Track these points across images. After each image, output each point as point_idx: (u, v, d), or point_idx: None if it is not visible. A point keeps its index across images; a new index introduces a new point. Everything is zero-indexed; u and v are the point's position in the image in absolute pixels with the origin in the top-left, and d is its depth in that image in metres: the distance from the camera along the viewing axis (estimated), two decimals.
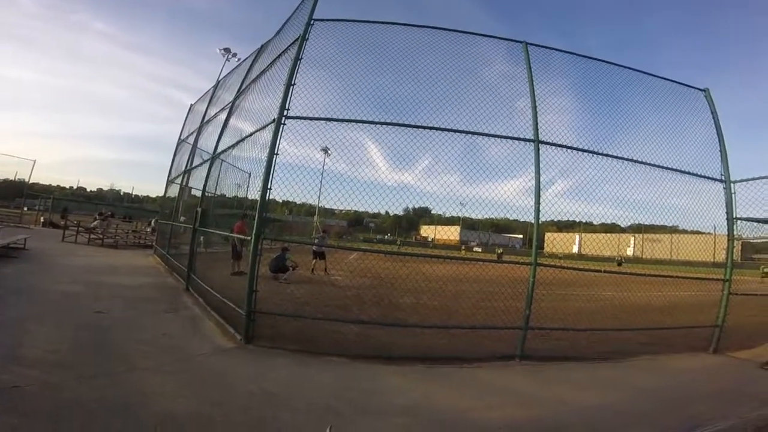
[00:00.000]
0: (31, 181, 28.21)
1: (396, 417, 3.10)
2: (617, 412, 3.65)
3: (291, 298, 7.41)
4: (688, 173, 6.11)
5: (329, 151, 5.35)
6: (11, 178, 32.39)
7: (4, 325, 4.31)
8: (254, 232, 4.66)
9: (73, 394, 2.88)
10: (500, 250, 30.38)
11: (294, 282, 9.72)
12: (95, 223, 16.57)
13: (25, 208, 27.36)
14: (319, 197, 5.65)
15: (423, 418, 3.14)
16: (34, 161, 25.39)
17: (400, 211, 6.25)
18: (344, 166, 5.04)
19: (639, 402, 3.88)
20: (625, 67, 6.19)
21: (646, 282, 6.73)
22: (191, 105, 13.75)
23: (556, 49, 5.95)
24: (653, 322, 6.74)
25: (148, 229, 20.75)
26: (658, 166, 5.89)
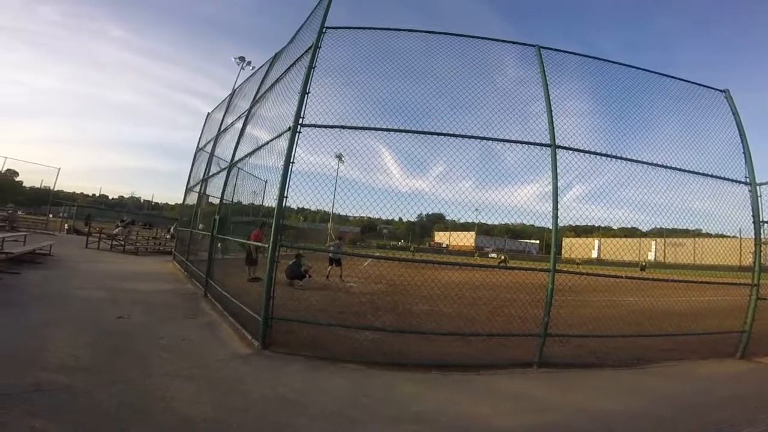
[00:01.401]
0: (55, 189, 29.05)
1: (411, 424, 3.07)
2: (637, 418, 3.55)
3: (307, 305, 7.46)
4: (711, 176, 5.95)
5: (343, 158, 5.39)
6: (37, 185, 33.56)
7: (29, 329, 4.44)
8: (271, 239, 4.71)
9: (94, 398, 2.95)
10: (503, 256, 30.07)
11: (309, 288, 9.78)
12: (117, 230, 17.01)
13: (50, 215, 28.21)
14: (333, 204, 5.70)
15: (438, 425, 3.11)
16: (59, 169, 26.10)
17: (413, 218, 6.24)
18: (358, 173, 5.08)
19: (660, 409, 3.76)
20: (642, 68, 6.08)
21: (669, 287, 6.55)
22: (208, 113, 14.04)
23: (570, 52, 5.89)
24: (677, 328, 6.55)
25: (168, 236, 21.17)
26: (679, 169, 5.75)
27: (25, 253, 9.22)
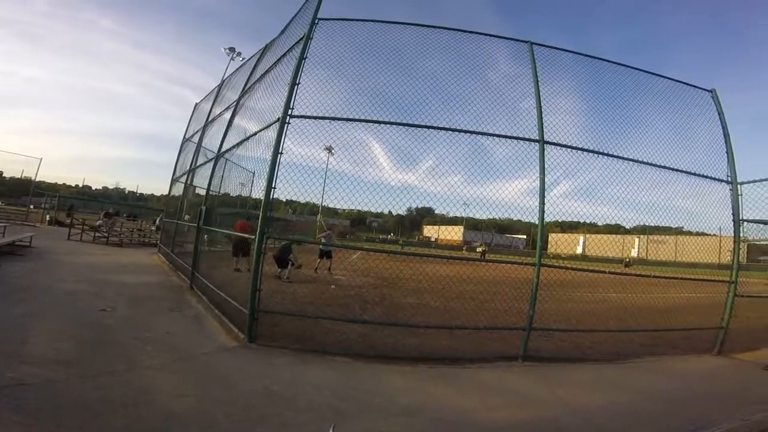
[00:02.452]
0: (37, 179, 28.32)
1: (398, 416, 3.09)
2: (620, 413, 3.64)
3: (294, 298, 7.43)
4: (694, 174, 6.06)
5: (333, 151, 5.36)
6: (18, 176, 32.70)
7: (10, 322, 4.34)
8: (258, 231, 4.66)
9: (78, 392, 2.90)
10: (483, 248, 30.56)
11: (297, 281, 9.74)
12: (100, 221, 16.66)
13: (32, 206, 27.53)
14: (322, 197, 5.66)
15: (425, 417, 3.14)
16: (41, 159, 25.49)
17: (403, 211, 6.25)
18: (348, 166, 5.05)
19: (642, 403, 3.86)
20: (632, 67, 6.14)
21: (651, 283, 6.70)
22: (196, 104, 13.79)
23: (562, 49, 5.91)
24: (657, 324, 6.71)
25: (153, 228, 20.85)
26: (664, 167, 5.84)
27: (4, 245, 8.99)
